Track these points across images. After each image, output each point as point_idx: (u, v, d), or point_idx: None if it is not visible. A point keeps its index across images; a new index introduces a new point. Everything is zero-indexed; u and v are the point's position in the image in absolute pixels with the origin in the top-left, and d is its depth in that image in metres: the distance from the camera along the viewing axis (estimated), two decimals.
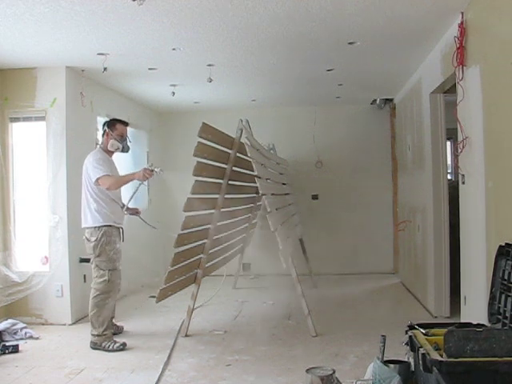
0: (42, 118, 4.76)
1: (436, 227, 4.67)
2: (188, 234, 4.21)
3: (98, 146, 4.35)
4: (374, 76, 5.57)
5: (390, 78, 5.69)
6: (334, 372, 2.36)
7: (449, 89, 4.43)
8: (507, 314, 2.50)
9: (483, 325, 2.42)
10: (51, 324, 4.68)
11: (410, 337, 2.32)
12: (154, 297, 4.41)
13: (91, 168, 4.01)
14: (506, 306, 2.53)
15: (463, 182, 3.70)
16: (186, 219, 4.11)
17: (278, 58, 4.75)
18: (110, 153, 4.23)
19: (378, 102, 6.96)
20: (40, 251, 4.77)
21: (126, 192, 4.68)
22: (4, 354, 3.81)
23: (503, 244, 2.68)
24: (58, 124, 4.72)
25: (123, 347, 3.96)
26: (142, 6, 3.21)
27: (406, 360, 2.37)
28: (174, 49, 4.29)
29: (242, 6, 3.37)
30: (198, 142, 4.06)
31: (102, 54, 4.36)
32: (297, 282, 4.31)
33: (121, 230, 4.29)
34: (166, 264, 4.39)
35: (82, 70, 4.88)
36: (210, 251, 4.56)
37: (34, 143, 4.85)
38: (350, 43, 4.25)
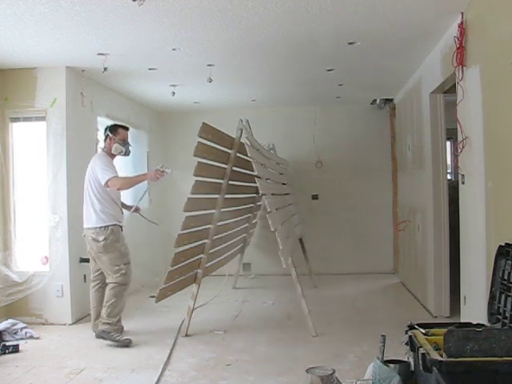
0: (42, 118, 4.76)
1: (436, 227, 4.67)
2: (188, 234, 4.22)
3: (101, 150, 4.48)
4: (374, 76, 5.57)
5: (390, 78, 5.69)
6: (333, 372, 2.36)
7: (449, 89, 4.43)
8: (507, 314, 2.49)
9: (483, 325, 2.42)
10: (51, 324, 4.68)
11: (410, 337, 2.32)
12: (153, 297, 4.41)
13: (100, 170, 4.15)
14: (505, 305, 2.53)
15: (463, 182, 3.70)
16: (186, 219, 4.12)
17: (277, 58, 4.75)
18: (113, 156, 4.37)
19: (378, 102, 6.97)
20: (40, 251, 4.77)
21: (125, 192, 4.69)
22: (4, 353, 3.81)
23: (503, 244, 2.68)
24: (58, 124, 4.72)
25: (129, 343, 4.05)
26: (142, 6, 3.21)
27: (406, 360, 2.37)
28: (174, 49, 4.29)
29: (241, 6, 3.37)
30: (198, 142, 4.06)
31: (102, 54, 4.36)
32: (297, 282, 4.31)
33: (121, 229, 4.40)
34: (167, 264, 4.40)
35: (82, 70, 4.88)
36: (210, 251, 4.56)
37: (34, 143, 4.85)
38: (349, 43, 4.25)
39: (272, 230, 4.02)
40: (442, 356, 2.02)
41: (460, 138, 3.56)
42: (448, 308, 4.59)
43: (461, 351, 1.99)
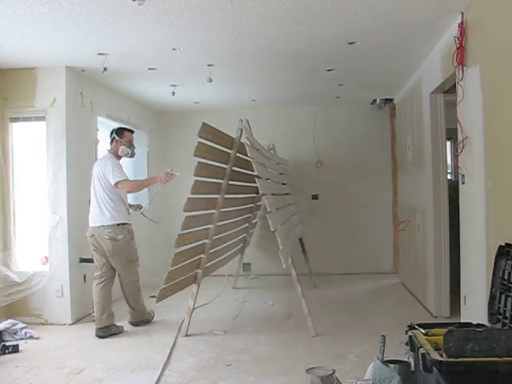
0: (42, 118, 4.76)
1: (436, 227, 4.67)
2: (188, 234, 4.21)
3: (108, 152, 4.63)
4: (374, 76, 5.57)
5: (390, 78, 5.69)
6: (333, 372, 2.36)
7: (449, 89, 4.43)
8: (507, 314, 2.49)
9: (483, 325, 2.42)
10: (51, 324, 4.67)
11: (410, 337, 2.32)
12: (154, 297, 4.42)
13: (110, 172, 4.38)
14: (506, 306, 2.53)
15: (463, 182, 3.70)
16: (186, 219, 4.12)
17: (278, 58, 4.75)
18: (119, 158, 4.60)
19: (378, 102, 6.96)
20: (40, 251, 4.76)
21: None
22: (4, 353, 3.81)
23: (503, 244, 2.68)
24: (58, 124, 4.72)
25: (153, 316, 4.80)
26: (141, 6, 3.21)
27: (406, 360, 2.37)
28: (174, 49, 4.29)
29: (241, 6, 3.37)
30: (198, 142, 4.06)
31: (102, 54, 4.36)
32: (297, 282, 4.31)
33: None
34: (167, 264, 4.40)
35: (82, 70, 4.88)
36: (210, 251, 4.56)
37: (34, 143, 4.84)
38: (350, 43, 4.25)
39: (272, 229, 4.02)
40: (442, 356, 2.02)
41: (460, 138, 3.56)
42: (448, 308, 4.59)
43: (461, 351, 1.99)
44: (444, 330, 2.11)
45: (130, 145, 4.65)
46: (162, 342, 4.11)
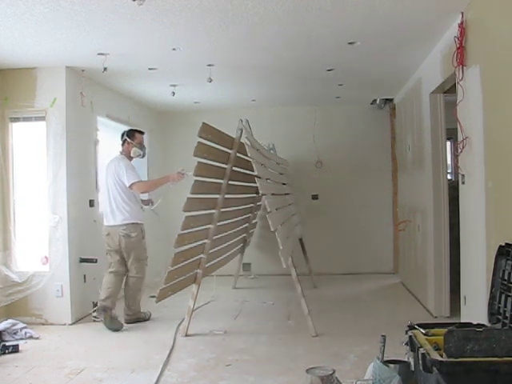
0: (42, 118, 4.76)
1: (436, 227, 4.67)
2: (188, 234, 4.22)
3: (120, 153, 4.82)
4: (374, 76, 5.57)
5: (390, 78, 5.69)
6: (333, 372, 2.36)
7: (449, 89, 4.43)
8: (507, 314, 2.49)
9: (483, 325, 2.42)
10: (51, 324, 4.67)
11: (410, 337, 2.32)
12: (154, 297, 4.42)
13: (124, 173, 4.60)
14: (506, 306, 2.53)
15: (463, 182, 3.70)
16: (186, 219, 4.12)
17: (277, 58, 4.75)
18: (130, 159, 4.81)
19: (378, 102, 6.97)
20: (40, 251, 4.76)
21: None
22: (4, 354, 3.80)
23: (503, 244, 2.68)
24: (58, 124, 4.72)
25: (150, 316, 4.87)
26: (141, 6, 3.21)
27: (406, 360, 2.37)
28: (174, 49, 4.29)
29: (241, 6, 3.37)
30: (198, 142, 4.06)
31: (102, 54, 4.36)
32: (297, 282, 4.31)
33: None
34: (167, 264, 4.40)
35: (82, 70, 4.88)
36: (210, 251, 4.56)
37: (34, 143, 4.84)
38: (350, 43, 4.25)
39: (272, 229, 4.02)
40: (442, 356, 2.02)
41: (460, 138, 3.56)
42: (448, 308, 4.59)
43: (461, 351, 1.99)
44: (444, 330, 2.11)
45: (141, 146, 4.86)
46: (161, 342, 4.11)
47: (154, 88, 5.85)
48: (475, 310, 3.37)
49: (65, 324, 4.68)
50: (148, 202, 5.10)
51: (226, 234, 5.19)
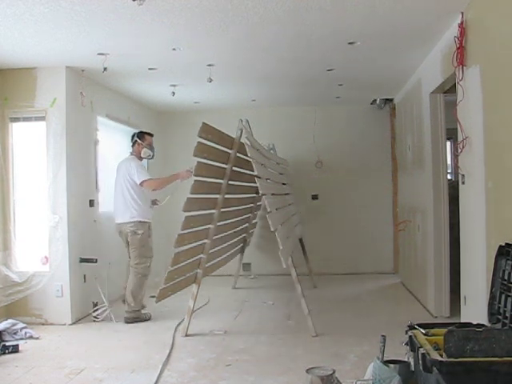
0: (42, 118, 4.76)
1: (436, 227, 4.67)
2: (188, 234, 4.21)
3: (130, 154, 5.04)
4: (374, 76, 5.57)
5: (390, 78, 5.69)
6: (334, 372, 2.36)
7: (449, 89, 4.43)
8: (507, 314, 2.49)
9: (483, 325, 2.42)
10: (51, 324, 4.67)
11: (410, 337, 2.32)
12: (153, 297, 4.42)
13: (135, 172, 4.80)
14: (506, 306, 2.53)
15: (463, 182, 3.70)
16: (186, 219, 4.11)
17: (277, 58, 4.75)
18: (141, 159, 5.04)
19: (378, 102, 6.97)
20: (40, 251, 4.76)
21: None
22: (4, 353, 3.81)
23: (503, 244, 2.68)
24: (58, 124, 4.72)
25: (150, 317, 4.90)
26: (141, 6, 3.21)
27: (406, 360, 2.37)
28: (174, 49, 4.29)
29: (241, 6, 3.37)
30: (198, 142, 4.06)
31: (102, 54, 4.36)
32: (297, 282, 4.31)
33: None
34: (167, 264, 4.40)
35: (82, 70, 4.88)
36: (210, 251, 4.56)
37: (33, 143, 4.84)
38: (350, 43, 4.25)
39: (272, 229, 4.02)
40: (442, 356, 2.02)
41: (460, 138, 3.56)
42: (448, 308, 4.59)
43: (461, 351, 1.99)
44: (444, 330, 2.11)
45: (151, 147, 5.08)
46: (161, 342, 4.11)
47: (154, 88, 5.85)
48: (475, 309, 3.37)
49: (65, 324, 4.68)
50: (154, 202, 5.23)
51: (226, 233, 5.19)
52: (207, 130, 4.15)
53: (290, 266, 4.25)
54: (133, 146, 5.05)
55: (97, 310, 4.80)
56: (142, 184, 4.80)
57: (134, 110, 6.50)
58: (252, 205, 6.25)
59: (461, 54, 3.50)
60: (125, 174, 4.84)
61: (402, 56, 4.73)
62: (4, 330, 4.15)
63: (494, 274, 2.70)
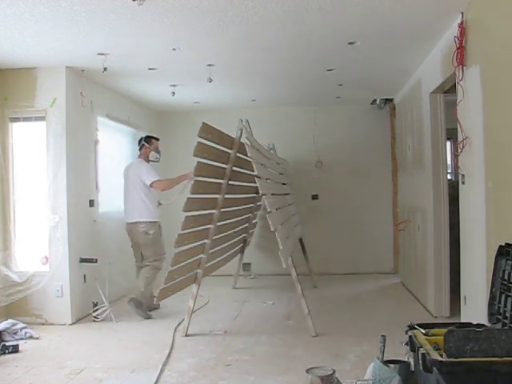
0: (42, 118, 4.76)
1: (436, 227, 4.67)
2: (188, 234, 4.21)
3: (138, 157, 5.26)
4: (374, 76, 5.57)
5: (390, 78, 5.69)
6: (334, 372, 2.36)
7: (449, 89, 4.43)
8: (507, 314, 2.49)
9: (483, 325, 2.42)
10: (51, 324, 4.67)
11: (410, 337, 2.32)
12: (154, 297, 4.42)
13: (145, 173, 5.03)
14: (506, 306, 2.53)
15: (463, 182, 3.70)
16: (186, 219, 4.11)
17: (278, 58, 4.75)
18: (148, 161, 5.22)
19: (378, 102, 6.96)
20: (40, 251, 4.76)
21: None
22: (4, 354, 3.80)
23: (503, 244, 2.68)
24: (58, 124, 4.72)
25: (158, 307, 5.16)
26: (141, 6, 3.21)
27: (406, 360, 2.37)
28: (174, 49, 4.29)
29: (241, 6, 3.37)
30: (198, 142, 4.06)
31: (102, 54, 4.36)
32: (297, 282, 4.31)
33: None
34: (167, 264, 4.41)
35: (82, 70, 4.88)
36: (210, 251, 4.56)
37: (34, 143, 4.84)
38: (350, 43, 4.25)
39: (272, 229, 4.02)
40: (442, 356, 2.02)
41: (460, 138, 3.56)
42: (448, 308, 4.59)
43: (461, 351, 1.98)
44: (444, 330, 2.11)
45: (157, 150, 5.30)
46: (161, 342, 4.11)
47: (154, 88, 5.85)
48: (475, 309, 3.37)
49: (65, 324, 4.68)
50: (158, 203, 5.30)
51: (225, 233, 5.19)
52: (207, 130, 4.15)
53: (290, 266, 4.25)
54: (140, 149, 5.26)
55: (97, 309, 4.80)
56: (152, 185, 5.00)
57: (133, 109, 6.50)
58: (252, 205, 6.25)
59: (461, 54, 3.50)
60: (134, 175, 5.05)
61: (402, 56, 4.73)
62: (4, 330, 4.15)
63: (494, 274, 2.69)
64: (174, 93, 5.79)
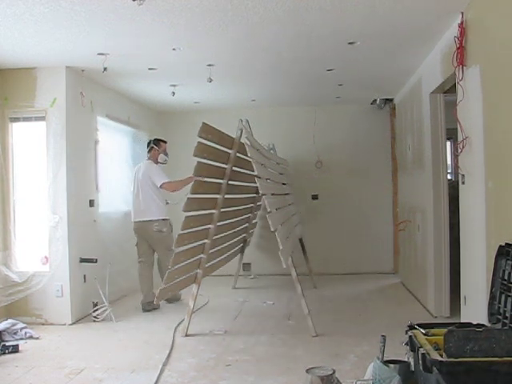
0: (42, 118, 4.76)
1: (436, 227, 4.67)
2: (188, 234, 4.21)
3: (148, 159, 5.52)
4: (374, 76, 5.57)
5: (390, 78, 5.69)
6: (334, 372, 2.36)
7: (449, 89, 4.43)
8: (507, 314, 2.49)
9: (483, 325, 2.42)
10: (51, 324, 4.67)
11: (410, 337, 2.32)
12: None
13: (155, 175, 5.30)
14: (506, 306, 2.53)
15: (463, 182, 3.70)
16: (186, 219, 4.12)
17: (277, 58, 4.75)
18: (157, 163, 5.49)
19: (378, 102, 6.96)
20: (40, 251, 4.76)
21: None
22: (4, 353, 3.80)
23: (503, 244, 2.68)
24: (58, 124, 4.72)
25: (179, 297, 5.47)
26: (141, 6, 3.21)
27: (406, 360, 2.37)
28: (174, 49, 4.29)
29: (241, 6, 3.37)
30: (198, 142, 4.06)
31: (102, 54, 4.36)
32: (297, 282, 4.31)
33: None
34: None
35: (82, 70, 4.88)
36: (210, 251, 4.56)
37: (34, 143, 4.84)
38: (349, 43, 4.25)
39: (272, 230, 4.02)
40: (442, 356, 2.02)
41: (460, 138, 3.56)
42: (448, 308, 4.59)
43: (461, 351, 1.99)
44: (444, 330, 2.11)
45: (166, 153, 5.59)
46: (161, 342, 4.11)
47: (154, 88, 5.85)
48: (475, 309, 3.37)
49: (65, 324, 4.68)
50: (166, 202, 5.55)
51: (226, 233, 5.19)
52: (207, 130, 4.15)
53: (290, 266, 4.25)
54: (149, 151, 5.53)
55: (97, 309, 4.80)
56: (162, 186, 5.24)
57: (133, 109, 6.50)
58: (252, 205, 6.25)
59: (461, 54, 3.50)
60: (145, 176, 5.31)
61: (402, 56, 4.73)
62: (4, 330, 4.15)
63: (493, 274, 2.69)
64: (173, 93, 5.79)
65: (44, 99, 4.73)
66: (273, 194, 4.70)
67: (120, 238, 5.72)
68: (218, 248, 5.02)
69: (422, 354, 2.04)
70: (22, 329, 4.27)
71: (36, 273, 4.68)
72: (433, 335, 2.27)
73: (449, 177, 5.97)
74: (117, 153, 6.06)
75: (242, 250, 6.43)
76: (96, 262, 4.90)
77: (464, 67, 3.50)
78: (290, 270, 4.29)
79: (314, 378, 2.32)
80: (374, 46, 4.38)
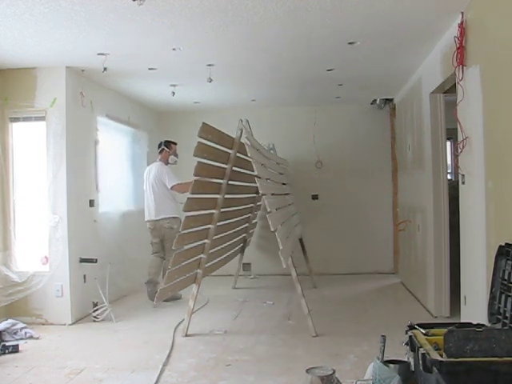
0: (42, 118, 4.76)
1: (436, 227, 4.67)
2: (188, 234, 4.22)
3: (159, 160, 5.74)
4: (374, 76, 5.57)
5: (390, 77, 5.69)
6: (334, 372, 2.36)
7: (449, 89, 4.43)
8: (507, 314, 2.49)
9: (483, 325, 2.42)
10: (51, 324, 4.67)
11: (410, 337, 2.32)
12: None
13: (166, 176, 5.54)
14: (506, 306, 2.53)
15: (463, 182, 3.70)
16: (186, 219, 4.12)
17: (278, 58, 4.75)
18: (167, 164, 5.72)
19: (378, 102, 6.96)
20: (40, 251, 4.76)
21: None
22: (4, 353, 3.81)
23: (503, 244, 2.68)
24: (58, 124, 4.72)
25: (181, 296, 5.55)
26: (141, 6, 3.21)
27: (406, 360, 2.37)
28: (174, 49, 4.29)
29: (241, 6, 3.37)
30: (198, 142, 4.06)
31: (102, 54, 4.36)
32: (297, 282, 4.31)
33: None
34: (166, 264, 4.41)
35: (82, 70, 4.88)
36: (210, 251, 4.56)
37: (33, 143, 4.84)
38: (350, 43, 4.25)
39: (272, 229, 4.02)
40: (442, 356, 2.02)
41: (460, 138, 3.56)
42: (448, 308, 4.59)
43: (461, 351, 1.99)
44: (444, 330, 2.11)
45: (176, 154, 5.79)
46: (161, 342, 4.11)
47: (154, 88, 5.85)
48: (475, 309, 3.37)
49: (65, 324, 4.68)
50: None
51: (225, 233, 5.19)
52: (207, 130, 4.15)
53: (290, 266, 4.25)
54: (160, 153, 5.74)
55: (97, 309, 4.80)
56: (172, 188, 5.50)
57: (134, 109, 6.50)
58: (252, 205, 6.25)
59: (461, 54, 3.50)
60: (156, 177, 5.56)
61: (402, 56, 4.73)
62: (4, 330, 4.15)
63: (494, 274, 2.69)
64: (174, 93, 5.79)
65: (44, 99, 4.73)
66: (273, 194, 4.70)
67: (120, 237, 5.73)
68: (218, 248, 5.01)
69: (422, 353, 2.04)
70: (22, 329, 4.27)
71: (36, 273, 4.68)
72: (433, 335, 2.27)
73: (449, 177, 5.97)
74: (117, 153, 6.06)
75: (241, 250, 6.43)
76: (96, 262, 4.90)
77: (464, 67, 3.50)
78: (290, 270, 4.29)
79: (313, 378, 2.32)
80: (374, 46, 4.38)
